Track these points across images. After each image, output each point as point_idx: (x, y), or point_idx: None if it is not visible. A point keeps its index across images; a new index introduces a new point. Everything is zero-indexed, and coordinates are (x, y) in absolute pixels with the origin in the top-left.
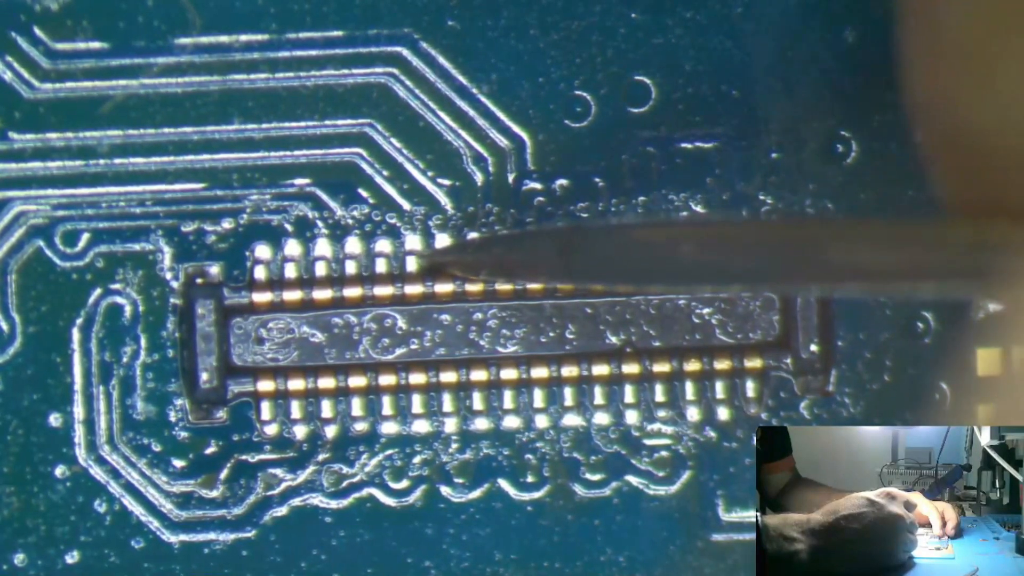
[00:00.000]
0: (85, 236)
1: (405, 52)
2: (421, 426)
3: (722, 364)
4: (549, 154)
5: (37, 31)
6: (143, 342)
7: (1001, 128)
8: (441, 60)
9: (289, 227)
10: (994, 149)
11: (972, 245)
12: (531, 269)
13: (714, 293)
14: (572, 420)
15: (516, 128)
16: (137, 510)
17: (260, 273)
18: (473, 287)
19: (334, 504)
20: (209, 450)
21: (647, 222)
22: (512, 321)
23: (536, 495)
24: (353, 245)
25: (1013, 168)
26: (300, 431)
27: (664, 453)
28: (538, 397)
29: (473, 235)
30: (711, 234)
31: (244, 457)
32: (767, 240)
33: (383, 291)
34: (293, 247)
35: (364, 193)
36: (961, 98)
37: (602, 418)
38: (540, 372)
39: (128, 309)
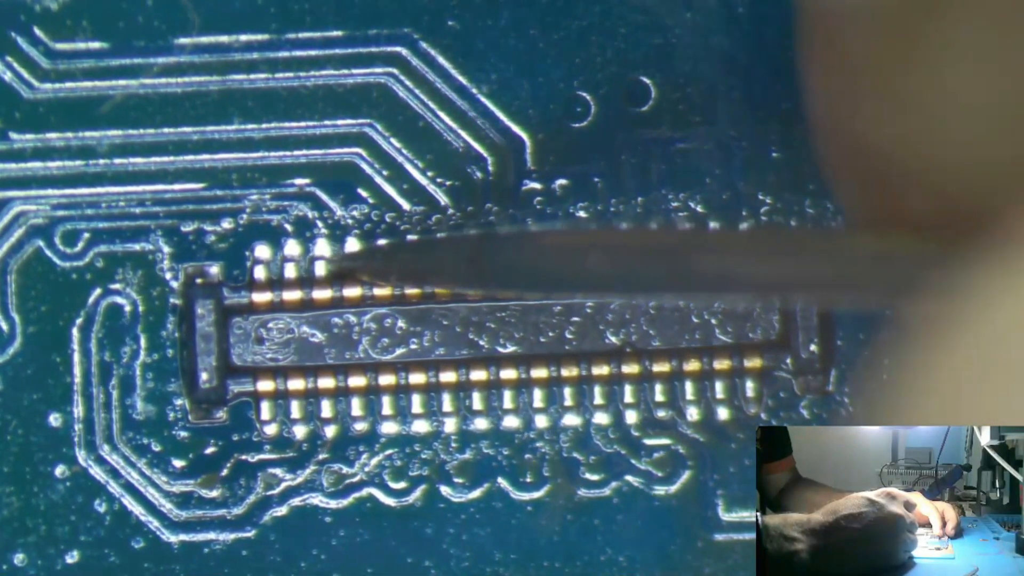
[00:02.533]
0: (85, 236)
1: (405, 52)
2: (421, 426)
3: (722, 364)
4: (549, 154)
5: (37, 31)
6: (143, 342)
7: (899, 141)
8: (441, 60)
9: (289, 227)
10: (892, 162)
11: (874, 256)
12: (440, 275)
13: (623, 301)
14: (572, 420)
15: (516, 128)
16: (137, 510)
17: (260, 273)
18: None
19: (334, 504)
20: (209, 450)
21: (555, 230)
22: (511, 321)
23: (536, 495)
24: (353, 245)
25: (911, 180)
26: (300, 431)
27: (664, 453)
28: (538, 397)
29: (382, 241)
30: (619, 242)
31: (244, 457)
32: (676, 248)
33: (383, 291)
34: (293, 247)
35: (364, 193)
36: (859, 112)
37: (602, 418)
38: (540, 372)
39: (128, 309)
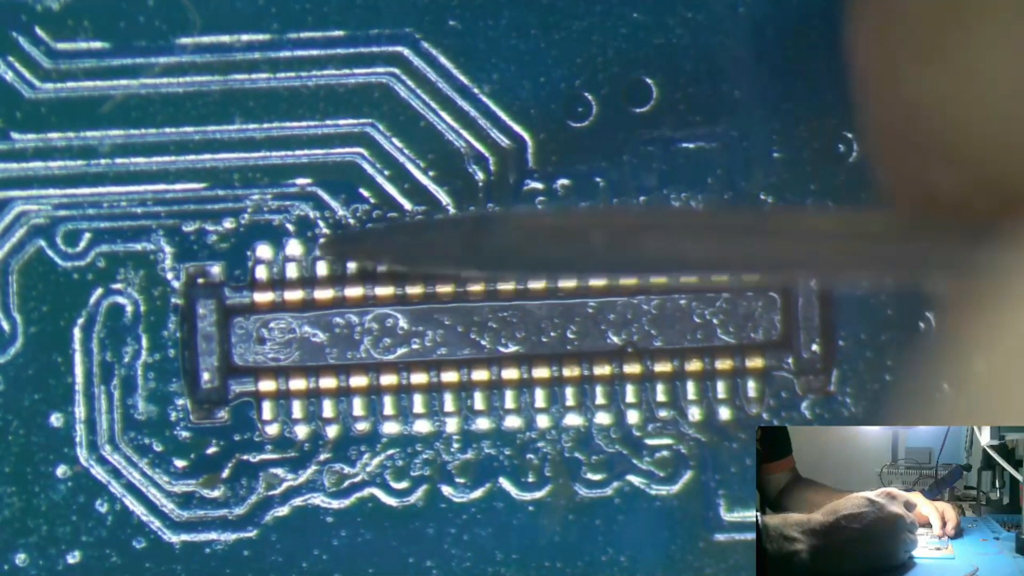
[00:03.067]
0: (86, 236)
1: (406, 52)
2: (422, 426)
3: (723, 364)
4: (550, 154)
5: (38, 31)
6: (144, 342)
7: (944, 109)
8: (442, 60)
9: (290, 227)
10: (935, 131)
11: (908, 236)
12: (437, 257)
13: (625, 281)
14: (573, 420)
15: (517, 128)
16: (138, 510)
17: (261, 273)
18: (475, 287)
19: (335, 504)
20: (210, 450)
21: (553, 211)
22: (513, 321)
23: (537, 495)
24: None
25: (953, 153)
26: (301, 431)
27: (665, 453)
28: (539, 397)
29: (378, 222)
30: (620, 223)
31: (245, 457)
32: (688, 227)
33: (384, 291)
34: (294, 247)
35: (365, 193)
36: (907, 75)
37: (603, 418)
38: (541, 372)
39: (129, 309)
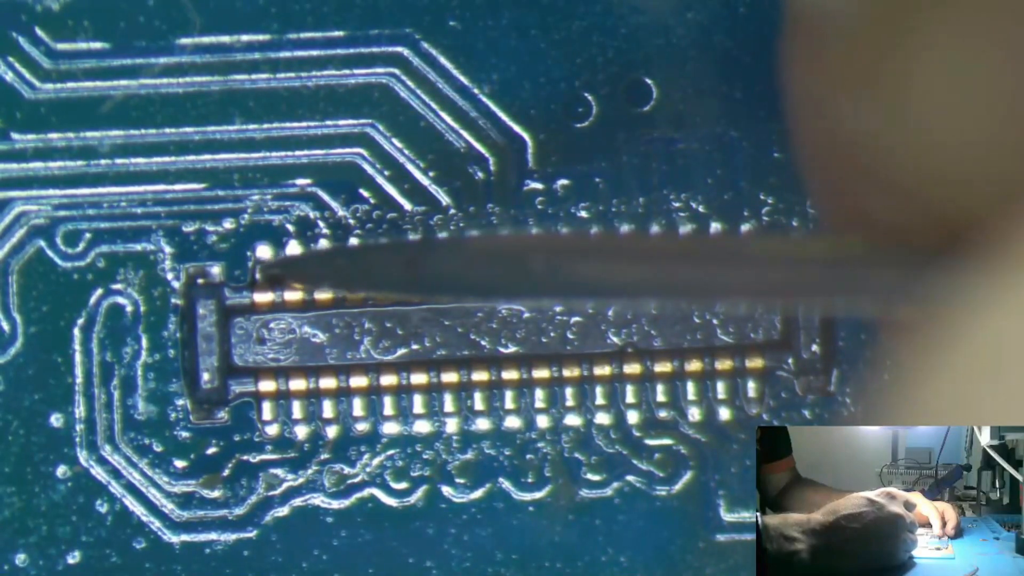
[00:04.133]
0: (86, 236)
1: (406, 52)
2: (422, 426)
3: (723, 364)
4: (550, 154)
5: (38, 31)
6: (144, 342)
7: (878, 145)
8: (442, 60)
9: (290, 227)
10: (869, 161)
11: (835, 261)
12: (377, 281)
13: (564, 306)
14: (573, 420)
15: (517, 128)
16: (138, 510)
17: (261, 273)
18: None
19: (335, 504)
20: (210, 450)
21: (493, 235)
22: (513, 321)
23: (537, 495)
24: (293, 248)
25: (889, 184)
26: (301, 431)
27: (665, 453)
28: (539, 397)
29: (320, 245)
30: (559, 247)
31: (245, 457)
32: (619, 251)
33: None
34: (294, 247)
35: (365, 193)
36: (840, 115)
37: (603, 418)
38: (541, 372)
39: (129, 309)
